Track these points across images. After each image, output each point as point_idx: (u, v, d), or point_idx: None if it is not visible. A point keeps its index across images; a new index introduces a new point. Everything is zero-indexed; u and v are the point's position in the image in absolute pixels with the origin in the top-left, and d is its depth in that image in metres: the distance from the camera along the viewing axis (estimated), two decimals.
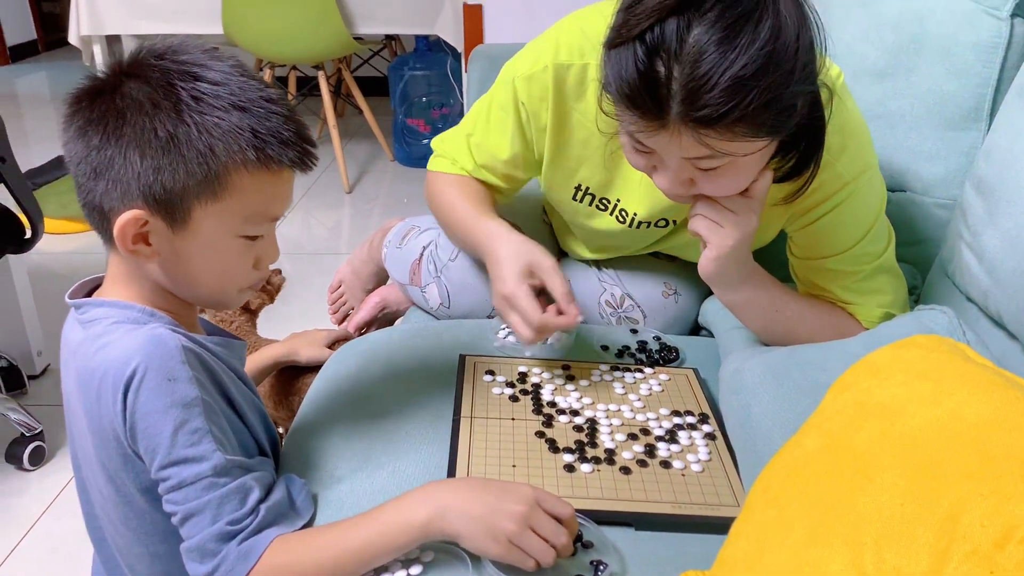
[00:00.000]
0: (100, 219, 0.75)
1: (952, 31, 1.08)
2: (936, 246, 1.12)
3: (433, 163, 1.20)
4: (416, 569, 0.74)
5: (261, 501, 0.75)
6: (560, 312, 0.97)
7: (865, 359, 0.73)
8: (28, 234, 1.57)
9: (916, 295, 1.13)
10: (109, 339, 0.75)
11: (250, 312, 1.34)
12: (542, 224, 1.31)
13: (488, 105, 1.11)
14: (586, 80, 1.01)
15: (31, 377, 1.87)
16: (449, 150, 1.17)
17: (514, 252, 1.00)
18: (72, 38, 3.18)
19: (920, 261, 1.16)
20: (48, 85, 5.24)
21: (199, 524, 0.73)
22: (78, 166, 0.74)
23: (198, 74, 0.71)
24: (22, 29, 5.92)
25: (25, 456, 1.57)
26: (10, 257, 1.78)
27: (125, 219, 0.72)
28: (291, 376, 1.25)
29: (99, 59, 3.26)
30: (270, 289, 1.38)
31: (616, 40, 0.77)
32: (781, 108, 0.76)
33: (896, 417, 0.65)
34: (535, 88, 1.03)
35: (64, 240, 2.65)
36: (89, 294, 0.82)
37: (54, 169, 2.85)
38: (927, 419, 0.63)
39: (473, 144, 1.13)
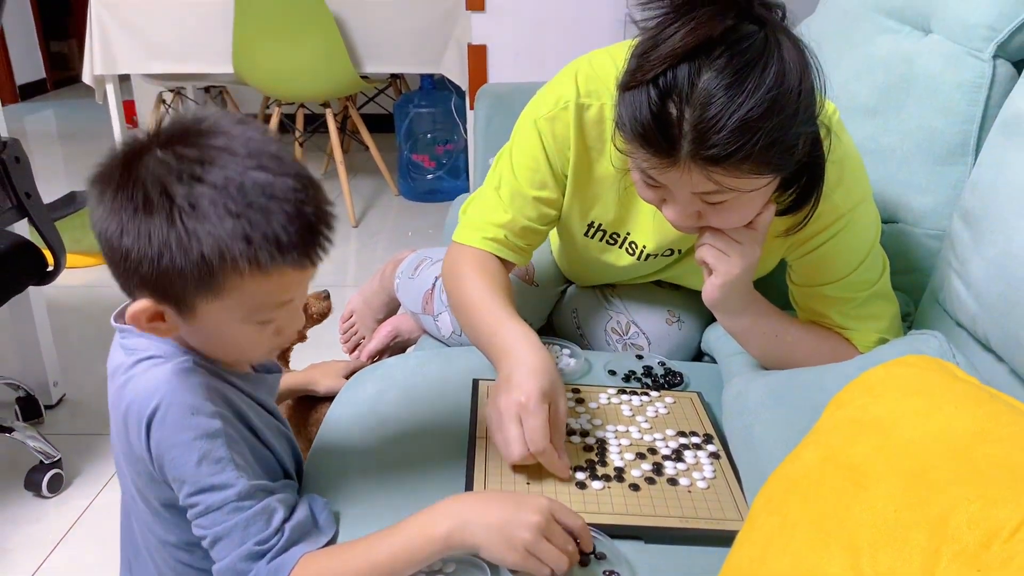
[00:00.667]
0: (125, 293, 0.77)
1: (939, 71, 1.14)
2: (927, 275, 1.17)
3: (459, 234, 1.14)
4: None
5: (285, 521, 0.78)
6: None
7: (860, 378, 0.77)
8: (51, 267, 1.62)
9: (909, 322, 1.17)
10: (137, 372, 0.79)
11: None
12: (549, 255, 1.36)
13: (510, 154, 1.12)
14: (603, 120, 1.05)
15: (47, 407, 1.91)
16: (477, 216, 1.13)
17: (543, 367, 0.92)
18: (86, 77, 3.26)
19: (913, 289, 1.20)
20: (56, 123, 5.32)
21: (228, 546, 0.76)
22: (98, 241, 0.73)
23: (199, 174, 0.69)
24: (31, 68, 6.03)
25: (44, 484, 1.60)
26: (31, 290, 1.82)
27: (136, 309, 0.74)
28: (308, 406, 1.30)
29: (111, 98, 3.34)
30: (313, 315, 1.39)
31: (630, 83, 0.82)
32: (784, 148, 0.82)
33: (890, 431, 0.69)
34: (558, 128, 1.06)
35: (78, 274, 2.70)
36: None
37: (66, 205, 2.91)
38: (918, 432, 0.68)
39: (504, 195, 1.11)
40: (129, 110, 4.42)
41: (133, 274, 0.71)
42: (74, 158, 4.41)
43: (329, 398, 1.24)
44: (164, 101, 3.72)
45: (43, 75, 6.15)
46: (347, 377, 1.26)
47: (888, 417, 0.71)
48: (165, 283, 0.71)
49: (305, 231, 0.71)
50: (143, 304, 0.74)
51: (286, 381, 1.26)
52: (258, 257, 0.69)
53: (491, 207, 1.11)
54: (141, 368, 0.79)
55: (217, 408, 0.78)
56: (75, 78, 6.46)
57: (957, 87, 1.12)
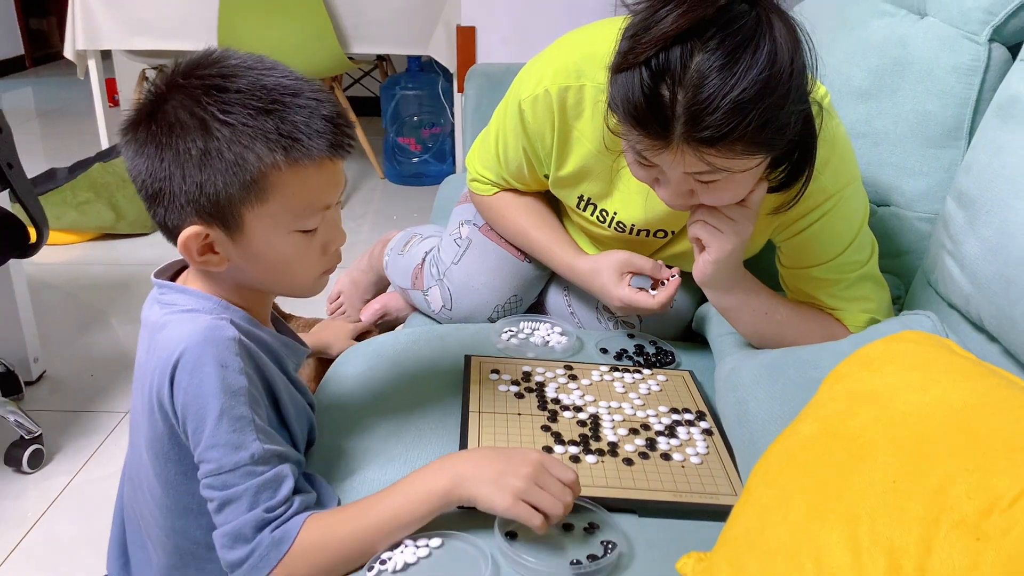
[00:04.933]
0: (170, 236, 0.80)
1: (933, 55, 1.14)
2: (919, 258, 1.18)
3: (474, 186, 1.27)
4: (424, 551, 0.77)
5: (295, 491, 0.79)
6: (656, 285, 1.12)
7: (858, 352, 0.77)
8: (33, 240, 1.60)
9: (900, 304, 1.18)
10: (172, 321, 0.80)
11: None
12: None
13: (503, 123, 1.18)
14: (583, 101, 1.07)
15: (27, 383, 1.89)
16: (483, 170, 1.25)
17: (599, 267, 1.15)
18: (68, 52, 3.21)
19: (904, 272, 1.21)
20: (34, 100, 5.25)
21: (236, 510, 0.76)
22: (140, 190, 0.78)
23: (224, 85, 0.74)
24: (9, 45, 5.93)
25: (24, 459, 1.58)
26: (10, 265, 1.80)
27: (186, 235, 0.77)
28: (322, 370, 1.30)
29: (93, 73, 3.29)
30: None
31: (623, 65, 0.82)
32: (777, 127, 0.82)
33: (887, 403, 0.69)
34: (539, 109, 1.09)
35: (58, 251, 2.67)
36: (174, 277, 0.87)
37: (46, 181, 2.87)
38: (916, 404, 0.68)
39: (502, 159, 1.21)
40: (111, 88, 4.36)
41: (179, 200, 0.75)
42: (53, 135, 4.35)
43: None
44: (147, 78, 3.67)
45: (21, 52, 6.05)
46: (356, 340, 1.28)
47: (886, 390, 0.71)
48: (211, 197, 0.74)
49: (330, 123, 0.76)
50: (193, 229, 0.76)
51: None
52: (293, 148, 0.74)
53: (496, 167, 1.22)
54: (176, 318, 0.81)
55: (245, 366, 0.79)
56: (54, 55, 6.35)
57: (952, 70, 1.12)
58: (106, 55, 3.59)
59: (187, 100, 0.74)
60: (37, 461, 1.61)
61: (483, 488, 0.76)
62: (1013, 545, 0.55)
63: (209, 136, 0.73)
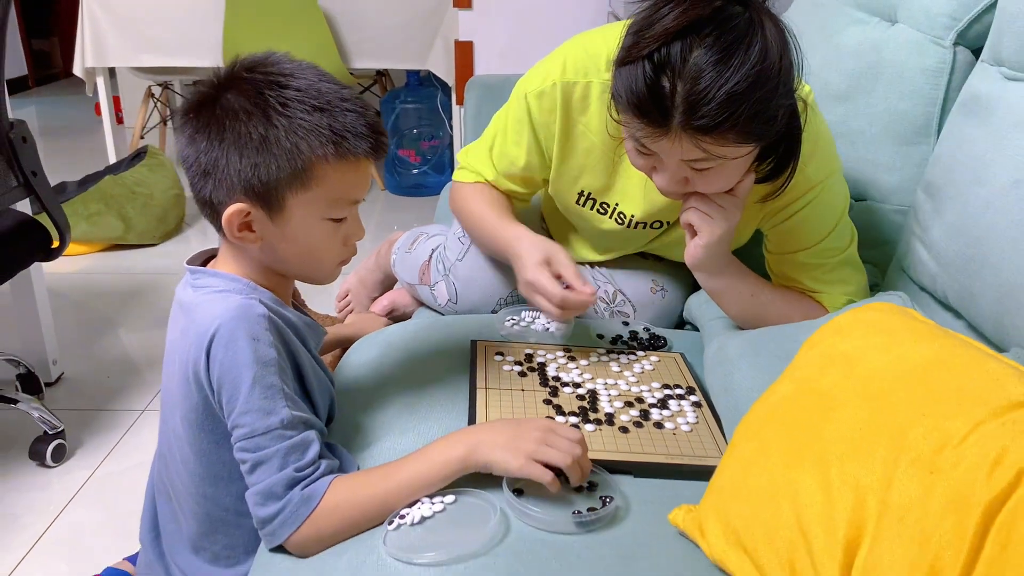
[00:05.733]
0: (210, 212, 0.88)
1: (904, 58, 1.23)
2: (895, 248, 1.26)
3: (458, 175, 1.34)
4: (439, 506, 0.84)
5: (321, 456, 0.86)
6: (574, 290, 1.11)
7: (830, 322, 0.86)
8: (55, 244, 1.67)
9: (877, 291, 1.26)
10: (206, 301, 0.88)
11: None
12: (540, 230, 1.43)
13: (505, 119, 1.24)
14: (589, 96, 1.14)
15: (47, 384, 1.96)
16: (473, 163, 1.31)
17: (533, 246, 1.14)
18: (77, 70, 3.30)
19: (881, 262, 1.29)
20: (38, 119, 5.32)
21: (268, 470, 0.83)
22: (190, 168, 0.87)
23: (284, 83, 0.83)
24: (14, 65, 6.02)
25: (48, 453, 1.65)
26: (31, 272, 1.87)
27: (231, 211, 0.85)
28: None
29: (102, 90, 3.37)
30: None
31: (626, 58, 0.91)
32: (766, 118, 0.90)
33: (855, 363, 0.77)
34: (545, 103, 1.16)
35: (69, 261, 2.74)
36: (205, 263, 0.95)
37: (56, 195, 2.94)
38: (880, 363, 0.76)
39: (494, 156, 1.27)
40: (115, 106, 4.44)
41: (232, 179, 0.84)
42: (57, 153, 4.42)
43: None
44: (152, 95, 3.76)
45: (25, 72, 6.14)
46: None
47: (854, 352, 0.79)
48: (263, 178, 0.83)
49: (372, 129, 0.87)
50: (238, 207, 0.85)
51: (337, 331, 1.38)
52: (341, 144, 0.84)
53: (484, 164, 1.28)
54: (210, 298, 0.89)
55: (274, 339, 0.86)
56: (57, 75, 6.46)
57: (921, 72, 1.20)
58: (111, 73, 3.68)
59: (251, 90, 0.83)
60: (60, 455, 1.68)
61: (497, 452, 0.83)
62: (962, 475, 0.62)
63: (270, 124, 0.82)
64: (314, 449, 0.85)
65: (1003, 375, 0.69)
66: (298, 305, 1.03)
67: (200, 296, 0.90)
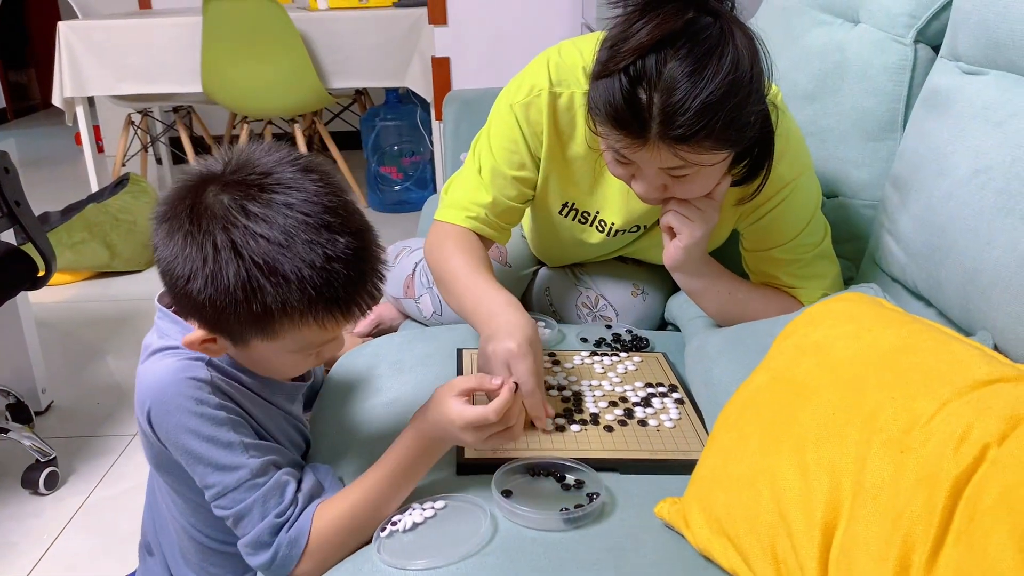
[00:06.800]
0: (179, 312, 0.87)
1: (868, 57, 1.26)
2: (867, 242, 1.29)
3: (441, 212, 1.21)
4: (430, 512, 0.86)
5: (298, 491, 0.86)
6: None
7: (803, 313, 0.88)
8: (41, 273, 1.68)
9: (852, 284, 1.29)
10: (150, 364, 0.87)
11: None
12: (520, 239, 1.46)
13: (488, 139, 1.19)
14: (574, 106, 1.15)
15: (37, 413, 1.96)
16: (460, 197, 1.19)
17: (525, 322, 1.00)
18: (56, 100, 3.30)
19: (854, 256, 1.32)
20: (18, 151, 5.32)
21: (250, 522, 0.84)
22: (162, 271, 0.81)
23: (266, 235, 0.75)
24: None
25: (41, 481, 1.66)
26: (18, 302, 1.88)
27: (192, 337, 0.83)
28: None
29: (81, 119, 3.38)
30: None
31: (603, 72, 0.93)
32: (740, 126, 0.93)
33: (827, 351, 0.80)
34: (532, 113, 1.15)
35: (55, 291, 2.75)
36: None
37: (40, 224, 2.95)
38: (851, 350, 0.78)
39: (487, 176, 1.18)
40: (95, 135, 4.45)
41: (196, 311, 0.80)
42: (37, 184, 4.41)
43: None
44: (132, 122, 3.77)
45: (3, 105, 6.14)
46: None
47: (825, 341, 0.81)
48: (225, 323, 0.79)
49: (358, 288, 0.80)
50: (199, 334, 0.82)
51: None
52: (315, 312, 0.78)
53: (473, 187, 1.19)
54: (154, 359, 0.87)
55: (221, 400, 0.85)
56: (35, 107, 6.47)
57: (884, 70, 1.24)
58: (91, 102, 3.69)
59: (227, 228, 0.75)
60: (53, 482, 1.69)
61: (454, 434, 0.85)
62: (931, 452, 0.65)
63: (239, 277, 0.75)
64: (290, 490, 0.85)
65: (967, 356, 0.72)
66: None
67: (153, 347, 0.88)
